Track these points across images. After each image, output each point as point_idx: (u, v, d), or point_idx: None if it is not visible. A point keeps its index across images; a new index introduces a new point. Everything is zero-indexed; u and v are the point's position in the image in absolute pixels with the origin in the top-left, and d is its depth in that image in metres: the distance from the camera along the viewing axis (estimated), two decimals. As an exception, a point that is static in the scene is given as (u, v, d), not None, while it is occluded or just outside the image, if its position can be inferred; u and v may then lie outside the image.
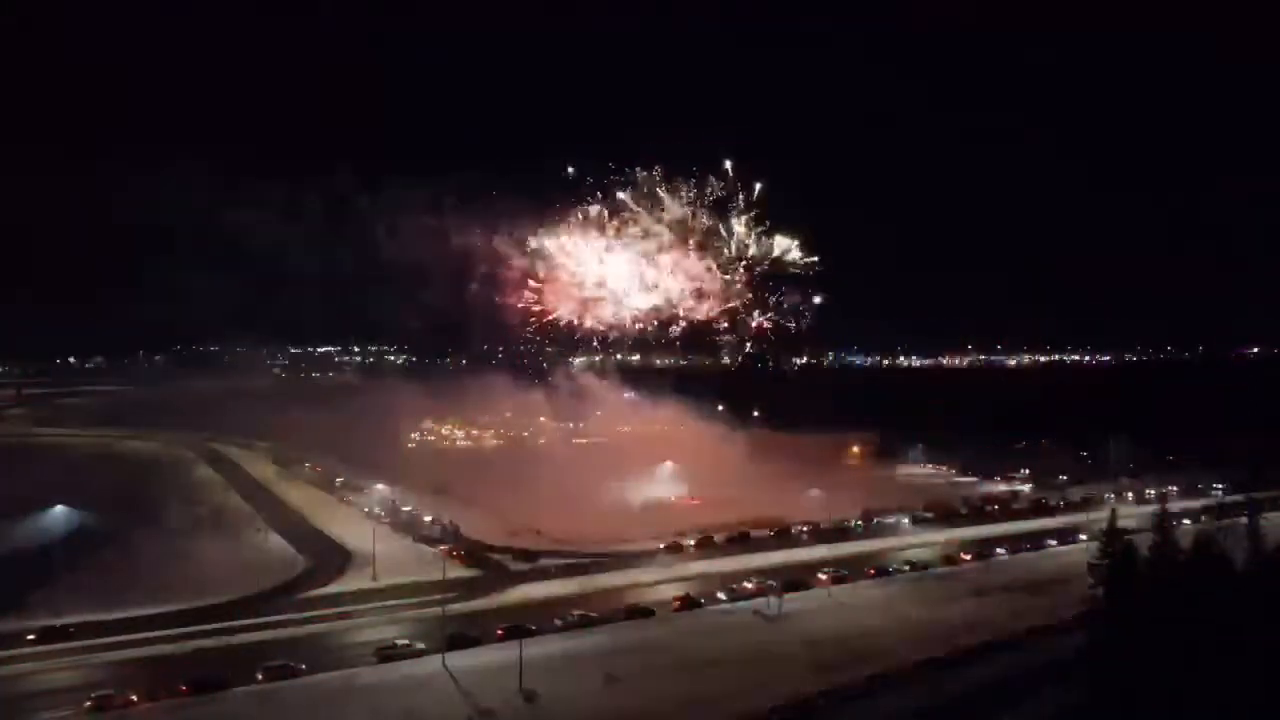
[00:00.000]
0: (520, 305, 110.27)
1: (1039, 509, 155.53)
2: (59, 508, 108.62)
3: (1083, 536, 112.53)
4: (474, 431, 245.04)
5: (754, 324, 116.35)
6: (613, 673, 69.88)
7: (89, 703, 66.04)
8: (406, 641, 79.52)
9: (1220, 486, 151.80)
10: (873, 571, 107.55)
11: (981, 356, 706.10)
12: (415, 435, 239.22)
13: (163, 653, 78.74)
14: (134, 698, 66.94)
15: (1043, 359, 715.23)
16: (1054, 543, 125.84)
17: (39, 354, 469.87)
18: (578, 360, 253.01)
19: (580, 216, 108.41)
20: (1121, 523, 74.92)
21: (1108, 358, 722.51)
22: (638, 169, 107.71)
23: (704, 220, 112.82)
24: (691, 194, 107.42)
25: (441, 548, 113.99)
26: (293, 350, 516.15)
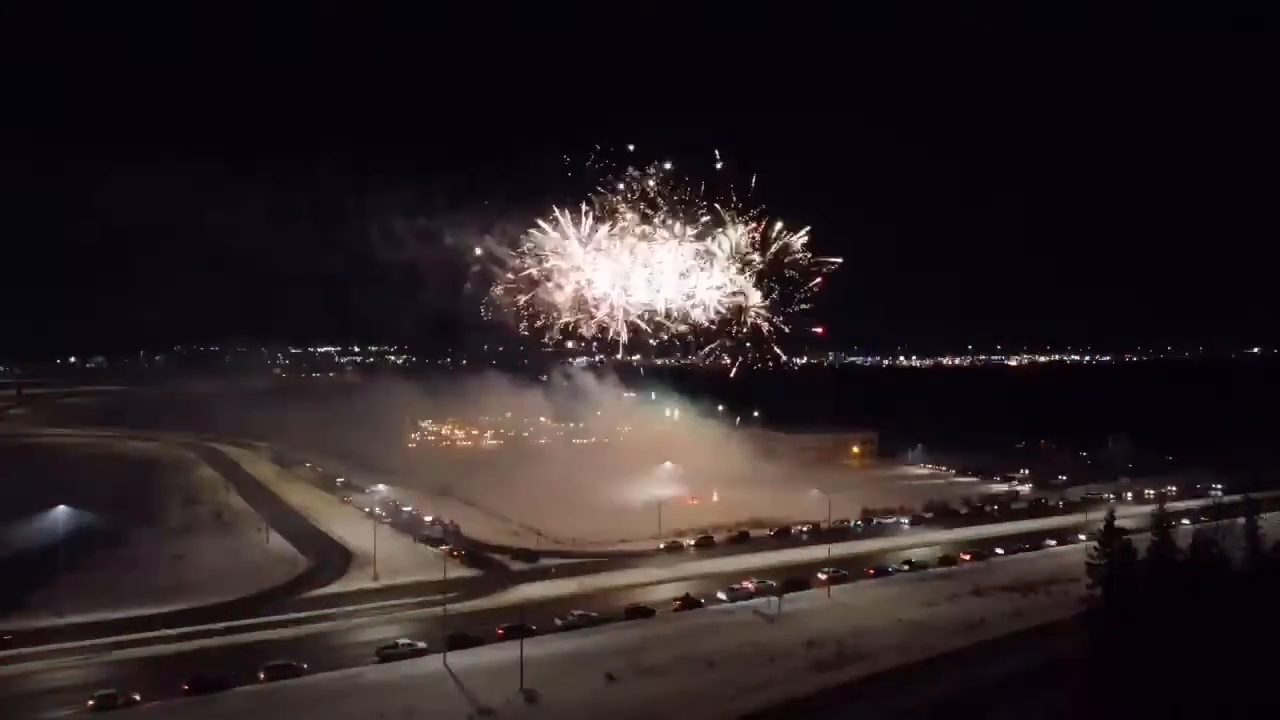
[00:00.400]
0: (518, 305, 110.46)
1: (1038, 509, 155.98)
2: (60, 508, 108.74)
3: (1082, 536, 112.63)
4: (474, 431, 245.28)
5: (755, 324, 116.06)
6: (613, 672, 70.10)
7: (91, 702, 66.26)
8: (408, 641, 79.68)
9: (1219, 487, 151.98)
10: (872, 572, 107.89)
11: (982, 356, 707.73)
12: (415, 435, 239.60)
13: (165, 652, 79.02)
14: (136, 697, 67.22)
15: (1043, 359, 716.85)
16: (1053, 543, 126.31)
17: (39, 354, 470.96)
18: (578, 360, 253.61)
19: (580, 214, 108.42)
20: (1120, 523, 74.98)
21: (1108, 358, 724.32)
22: (640, 166, 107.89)
23: (704, 217, 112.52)
24: (691, 192, 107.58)
25: (442, 548, 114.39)
26: (293, 350, 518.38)
